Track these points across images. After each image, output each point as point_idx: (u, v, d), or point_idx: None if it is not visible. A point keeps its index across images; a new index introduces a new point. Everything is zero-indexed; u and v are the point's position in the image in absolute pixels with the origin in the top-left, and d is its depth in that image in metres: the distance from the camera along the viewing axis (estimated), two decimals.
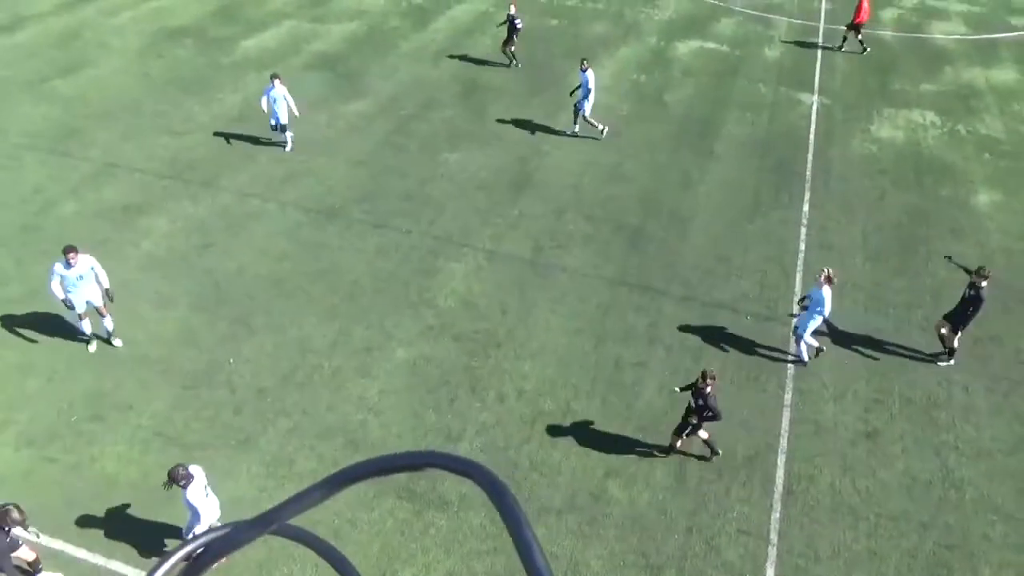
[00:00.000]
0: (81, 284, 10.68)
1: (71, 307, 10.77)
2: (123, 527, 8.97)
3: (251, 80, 19.23)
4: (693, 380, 9.84)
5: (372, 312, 12.22)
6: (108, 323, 11.31)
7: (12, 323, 11.76)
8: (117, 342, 11.38)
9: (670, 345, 11.88)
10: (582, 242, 14.07)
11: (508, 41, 20.13)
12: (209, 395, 10.72)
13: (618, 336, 12.01)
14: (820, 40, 23.45)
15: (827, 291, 10.96)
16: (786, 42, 23.19)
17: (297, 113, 16.09)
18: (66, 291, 10.63)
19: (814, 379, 11.51)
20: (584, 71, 16.57)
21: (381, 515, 9.26)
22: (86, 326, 11.15)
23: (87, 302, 10.92)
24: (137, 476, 9.59)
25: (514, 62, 20.34)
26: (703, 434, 9.95)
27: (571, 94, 17.37)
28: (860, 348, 12.07)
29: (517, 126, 17.77)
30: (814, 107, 19.44)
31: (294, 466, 9.79)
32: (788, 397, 11.20)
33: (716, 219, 14.92)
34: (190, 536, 5.12)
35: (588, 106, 16.84)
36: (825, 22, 24.87)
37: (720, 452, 10.07)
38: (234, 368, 11.17)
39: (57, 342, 11.48)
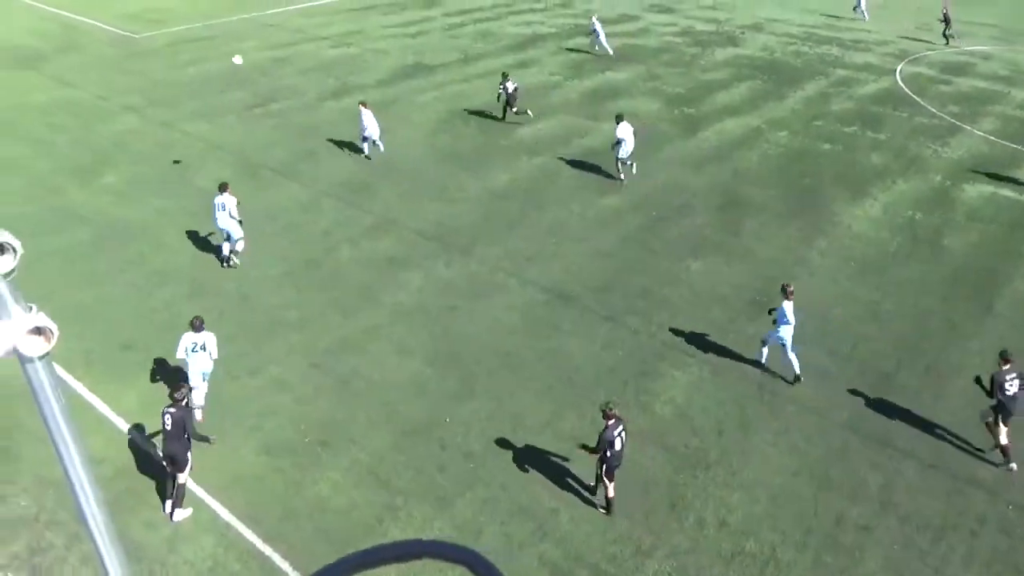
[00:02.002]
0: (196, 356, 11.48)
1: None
2: (325, 551, 9.66)
3: (522, 163, 20.75)
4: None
5: (587, 402, 12.26)
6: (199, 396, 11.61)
7: (281, 345, 13.45)
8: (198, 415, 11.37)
9: (906, 516, 10.49)
10: (818, 377, 13.08)
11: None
12: (423, 447, 11.35)
13: (844, 490, 10.87)
14: None
15: (787, 305, 12.30)
16: None
17: None
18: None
19: None
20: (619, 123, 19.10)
21: None
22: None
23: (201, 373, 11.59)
24: (344, 506, 10.33)
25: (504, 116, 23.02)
26: None
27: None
28: None
29: (770, 245, 17.22)
30: None
31: (480, 537, 9.95)
32: None
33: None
34: None
35: (621, 151, 19.18)
36: None
37: None
38: (449, 427, 11.75)
39: (310, 367, 12.90)
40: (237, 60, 26.32)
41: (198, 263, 15.94)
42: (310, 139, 22.15)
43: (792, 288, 12.66)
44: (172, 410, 9.84)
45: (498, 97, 23.06)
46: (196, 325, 11.57)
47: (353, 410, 12.02)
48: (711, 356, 13.52)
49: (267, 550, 9.64)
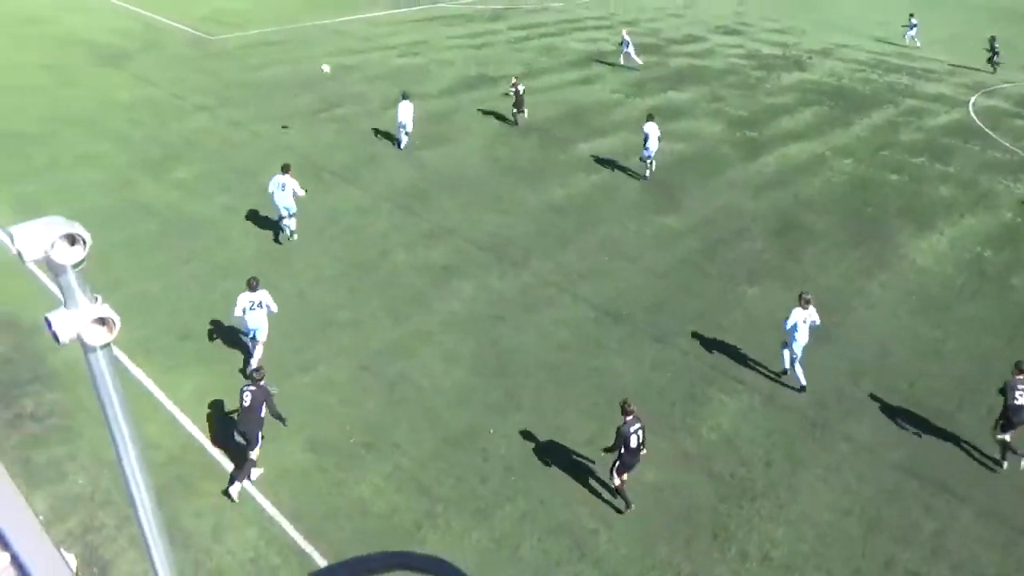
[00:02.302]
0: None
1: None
2: (362, 553, 9.74)
3: (579, 179, 20.76)
4: None
5: None
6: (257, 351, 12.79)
7: (332, 345, 13.68)
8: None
9: (959, 564, 10.07)
10: (875, 414, 12.69)
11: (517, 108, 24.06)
12: (465, 456, 11.38)
13: (895, 532, 10.50)
14: None
15: (795, 312, 12.57)
16: None
17: None
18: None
19: None
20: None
21: None
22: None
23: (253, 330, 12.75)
24: (385, 510, 10.42)
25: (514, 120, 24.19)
26: None
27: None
28: None
29: (829, 274, 16.83)
30: None
31: (518, 551, 9.91)
32: None
33: None
34: None
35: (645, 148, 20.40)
36: None
37: None
38: (492, 438, 11.76)
39: (359, 369, 13.08)
40: (325, 68, 27.19)
41: (260, 259, 16.32)
42: (372, 145, 22.55)
43: (809, 297, 12.79)
44: (252, 388, 10.33)
45: (508, 95, 25.05)
46: (252, 285, 12.44)
47: (398, 414, 12.13)
48: (763, 384, 13.25)
49: (307, 547, 9.78)
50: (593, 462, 11.16)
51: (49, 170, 20.23)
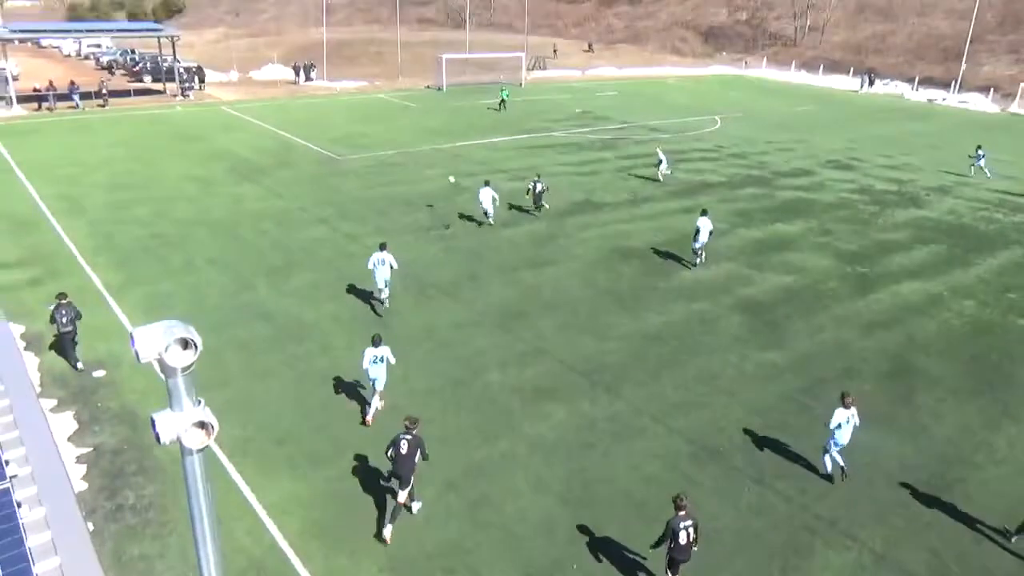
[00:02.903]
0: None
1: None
2: None
3: (679, 307, 20.57)
4: None
5: (726, 571, 11.35)
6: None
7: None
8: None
9: None
10: None
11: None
12: None
13: None
14: None
15: (838, 412, 12.98)
16: None
17: None
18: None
19: None
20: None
21: None
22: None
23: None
24: None
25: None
26: None
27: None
28: None
29: (947, 424, 15.63)
30: None
31: None
32: None
33: None
34: None
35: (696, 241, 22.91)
36: None
37: None
38: (574, 573, 11.24)
39: (444, 486, 12.98)
40: (451, 179, 30.61)
41: (358, 370, 16.81)
42: (476, 263, 23.31)
43: (851, 399, 13.18)
44: (408, 436, 11.75)
45: (527, 192, 28.50)
46: (376, 341, 14.54)
47: (480, 538, 11.86)
48: (875, 541, 12.17)
49: None
50: None
51: (182, 271, 21.98)
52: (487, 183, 26.35)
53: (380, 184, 31.74)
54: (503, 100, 51.00)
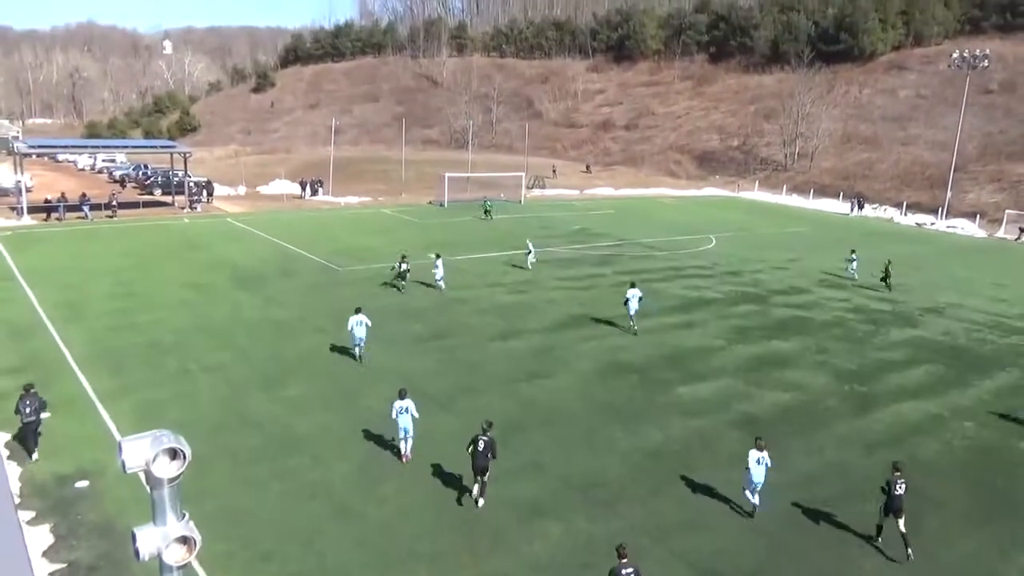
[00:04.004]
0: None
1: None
2: None
3: (676, 423, 20.32)
4: None
5: None
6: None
7: None
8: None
9: None
10: None
11: None
12: None
13: None
14: None
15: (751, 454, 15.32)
16: None
17: None
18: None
19: None
20: None
21: None
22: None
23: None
24: None
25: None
26: None
27: None
28: None
29: (955, 551, 15.10)
30: None
31: None
32: None
33: None
34: None
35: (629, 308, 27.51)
36: None
37: None
38: None
39: None
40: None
41: (349, 482, 16.43)
42: (472, 375, 23.20)
43: (763, 443, 15.72)
44: (485, 437, 15.34)
45: (393, 268, 33.32)
46: (402, 394, 17.31)
47: None
48: None
49: None
50: None
51: (175, 378, 21.84)
52: (438, 255, 32.48)
53: (378, 295, 32.07)
54: (487, 210, 56.06)
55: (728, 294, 35.48)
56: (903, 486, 14.64)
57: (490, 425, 15.72)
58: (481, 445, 15.33)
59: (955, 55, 71.98)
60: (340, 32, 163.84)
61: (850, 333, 29.97)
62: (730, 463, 18.14)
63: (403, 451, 17.47)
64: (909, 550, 14.44)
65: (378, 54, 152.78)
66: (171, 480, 4.96)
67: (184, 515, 4.81)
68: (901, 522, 14.59)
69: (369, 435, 18.61)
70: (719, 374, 24.26)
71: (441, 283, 32.86)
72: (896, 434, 20.51)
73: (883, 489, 14.81)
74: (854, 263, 40.12)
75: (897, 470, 14.87)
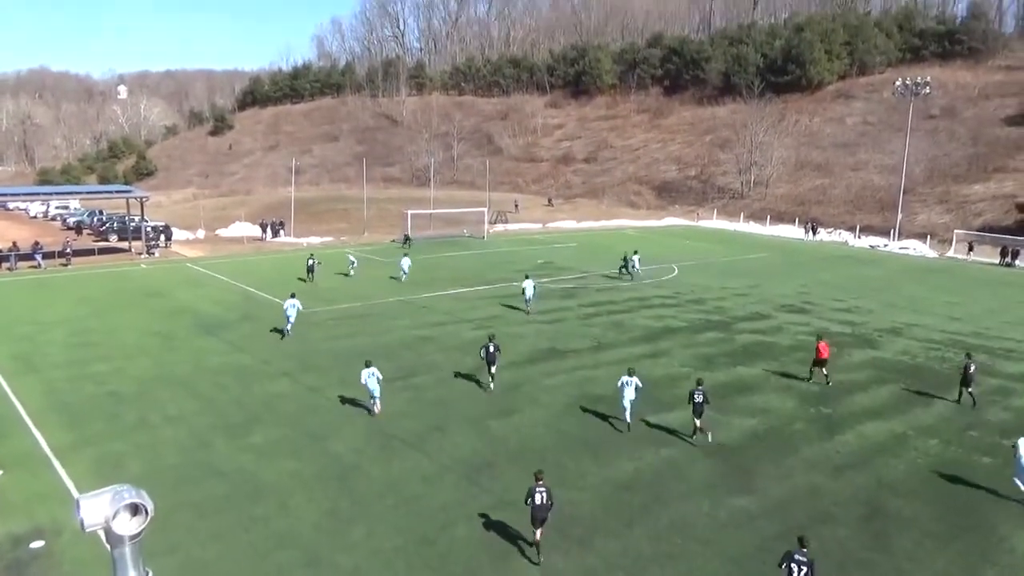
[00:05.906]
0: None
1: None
2: None
3: (648, 453, 20.32)
4: None
5: None
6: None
7: None
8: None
9: None
10: None
11: None
12: None
13: None
14: None
15: None
16: None
17: None
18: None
19: None
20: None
21: None
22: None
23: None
24: None
25: None
26: None
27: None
28: None
29: (926, 569, 15.24)
30: None
31: None
32: None
33: None
34: None
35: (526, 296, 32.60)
36: None
37: None
38: None
39: None
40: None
41: (318, 529, 16.06)
42: (441, 414, 22.98)
43: (632, 368, 21.24)
44: (543, 488, 14.87)
45: (307, 267, 40.60)
46: (367, 364, 21.82)
47: None
48: None
49: None
50: None
51: (136, 429, 21.24)
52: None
53: (344, 336, 31.75)
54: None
55: (693, 322, 35.86)
56: (804, 571, 12.77)
57: (543, 473, 15.56)
58: (544, 495, 14.91)
59: (898, 83, 74.70)
60: (298, 74, 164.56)
61: (812, 356, 30.40)
62: (702, 493, 18.18)
63: (374, 410, 21.61)
64: None
65: (337, 94, 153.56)
66: (132, 537, 4.79)
67: (147, 572, 4.66)
68: None
69: (337, 479, 18.26)
70: (685, 403, 24.34)
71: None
72: (862, 455, 20.78)
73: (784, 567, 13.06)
74: (637, 263, 46.70)
75: (803, 545, 13.15)
